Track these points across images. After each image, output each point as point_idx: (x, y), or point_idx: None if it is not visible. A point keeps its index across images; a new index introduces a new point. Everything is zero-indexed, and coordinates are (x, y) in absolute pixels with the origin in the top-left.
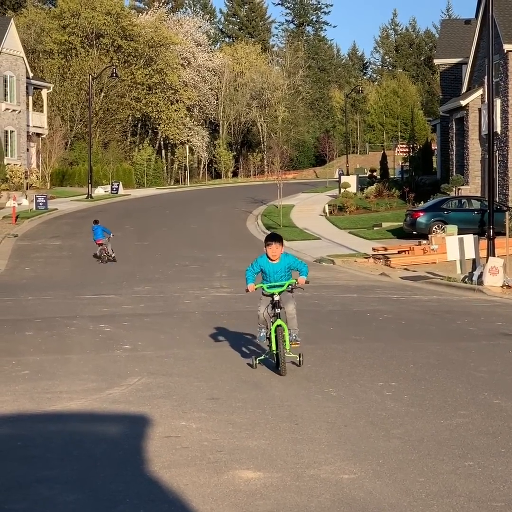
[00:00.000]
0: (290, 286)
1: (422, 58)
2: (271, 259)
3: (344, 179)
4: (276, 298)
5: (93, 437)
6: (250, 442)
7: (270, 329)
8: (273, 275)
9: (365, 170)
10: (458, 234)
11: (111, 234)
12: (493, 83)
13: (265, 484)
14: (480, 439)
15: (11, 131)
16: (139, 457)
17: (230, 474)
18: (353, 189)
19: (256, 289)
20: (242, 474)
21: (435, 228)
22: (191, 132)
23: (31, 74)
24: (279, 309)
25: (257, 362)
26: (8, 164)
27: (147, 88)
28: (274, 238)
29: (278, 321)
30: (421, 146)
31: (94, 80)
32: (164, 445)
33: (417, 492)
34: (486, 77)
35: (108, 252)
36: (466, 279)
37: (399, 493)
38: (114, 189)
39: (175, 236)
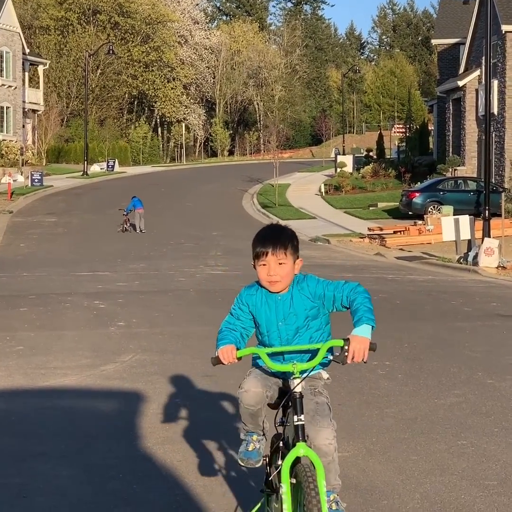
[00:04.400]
0: (329, 358)
1: (419, 38)
2: (269, 290)
3: (340, 158)
4: (298, 389)
5: (87, 413)
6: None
7: (280, 460)
8: (279, 329)
9: (362, 150)
10: (453, 215)
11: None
12: (491, 63)
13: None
14: (474, 418)
15: (7, 107)
16: (133, 433)
17: (224, 451)
18: (349, 168)
19: (239, 359)
20: (235, 452)
21: (431, 209)
22: (187, 110)
23: (27, 50)
24: (301, 416)
25: None
26: (3, 140)
27: (144, 66)
28: (272, 238)
29: (301, 447)
30: (417, 126)
31: (91, 57)
32: (157, 421)
33: (410, 470)
34: (483, 57)
35: (131, 224)
36: (461, 260)
37: (392, 471)
38: (110, 166)
39: (171, 214)
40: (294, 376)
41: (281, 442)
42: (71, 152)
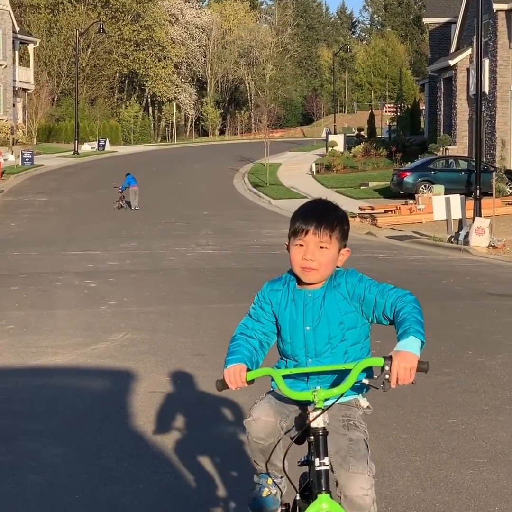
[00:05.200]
0: (363, 381)
1: (411, 17)
2: (301, 278)
3: (331, 138)
4: (319, 423)
5: (78, 392)
6: (235, 398)
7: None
8: (306, 336)
9: (353, 129)
10: (445, 194)
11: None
12: (482, 43)
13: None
14: (464, 396)
15: None
16: (124, 411)
17: (214, 429)
18: (340, 148)
19: (249, 382)
20: (226, 429)
21: (422, 188)
22: (178, 90)
23: (17, 29)
24: (323, 459)
25: None
26: None
27: (135, 45)
28: (318, 214)
29: (323, 501)
30: (409, 106)
31: (81, 35)
32: (148, 400)
33: (400, 448)
34: (475, 36)
35: (126, 201)
36: (452, 239)
37: (382, 449)
38: (101, 145)
39: (162, 193)
40: (315, 405)
41: (298, 492)
42: (61, 131)
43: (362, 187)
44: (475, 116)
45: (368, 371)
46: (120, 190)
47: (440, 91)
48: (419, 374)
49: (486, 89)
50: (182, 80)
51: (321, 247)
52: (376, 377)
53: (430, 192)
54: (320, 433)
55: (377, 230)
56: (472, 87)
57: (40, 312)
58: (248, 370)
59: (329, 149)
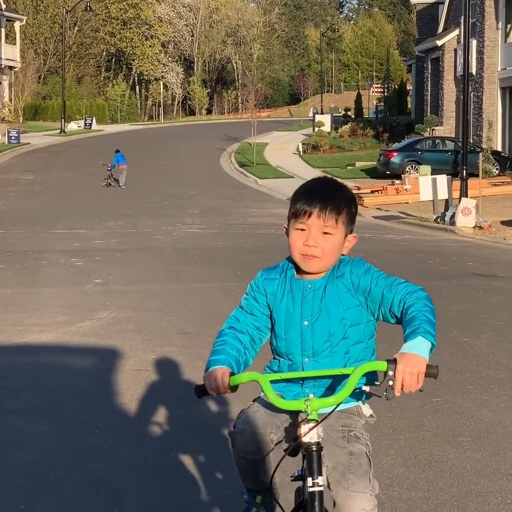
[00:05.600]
0: (363, 389)
1: None
2: (301, 267)
3: (318, 118)
4: (312, 437)
5: (63, 370)
6: None
7: None
8: (303, 331)
9: (340, 109)
10: (431, 175)
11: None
12: (470, 23)
13: (233, 415)
14: (449, 376)
15: None
16: (109, 389)
17: (199, 407)
18: (327, 128)
19: (233, 388)
20: (211, 408)
21: (409, 168)
22: (165, 69)
23: (3, 6)
24: (317, 478)
25: None
26: None
27: (122, 23)
28: (323, 194)
29: None
30: (396, 86)
31: (68, 13)
32: (134, 378)
33: (384, 427)
34: (462, 17)
35: (114, 178)
36: (438, 220)
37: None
38: (88, 124)
39: (148, 172)
40: (308, 416)
41: None
42: (48, 109)
43: (348, 167)
44: (462, 97)
45: (371, 376)
46: (109, 168)
47: (427, 72)
48: (427, 380)
49: (473, 69)
50: (169, 59)
51: (325, 233)
52: (378, 383)
53: (417, 172)
54: (314, 449)
55: (363, 210)
56: (459, 68)
57: (26, 290)
58: (232, 374)
59: (316, 129)
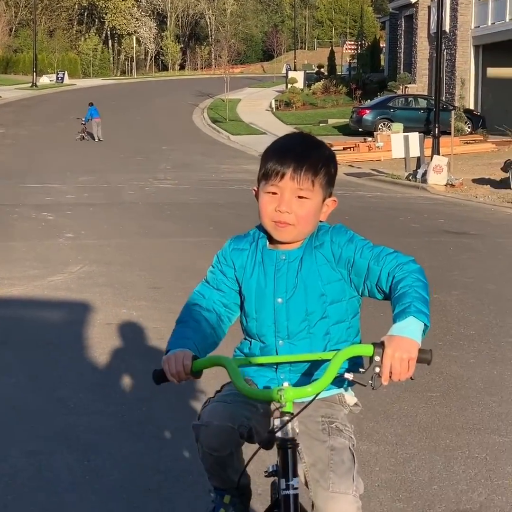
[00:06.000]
0: (345, 377)
1: None
2: (273, 236)
3: (291, 74)
4: (286, 432)
5: (34, 323)
6: None
7: None
8: (277, 310)
9: (313, 66)
10: (403, 132)
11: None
12: None
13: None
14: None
15: None
16: (80, 343)
17: None
18: (300, 85)
19: (195, 374)
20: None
21: (381, 126)
22: (138, 23)
23: None
24: (291, 480)
25: None
26: None
27: None
28: (297, 152)
29: None
30: (369, 43)
31: None
32: (105, 332)
33: None
34: None
35: (88, 132)
36: (410, 177)
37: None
38: (60, 78)
39: (121, 127)
40: (281, 408)
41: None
42: (19, 63)
43: (321, 124)
44: (435, 55)
45: (355, 360)
46: (83, 122)
47: (400, 29)
48: (419, 366)
49: (447, 27)
50: (142, 13)
51: (300, 197)
52: (363, 370)
53: (389, 130)
54: (288, 446)
55: None
56: (432, 25)
57: None
58: (196, 358)
59: (289, 86)
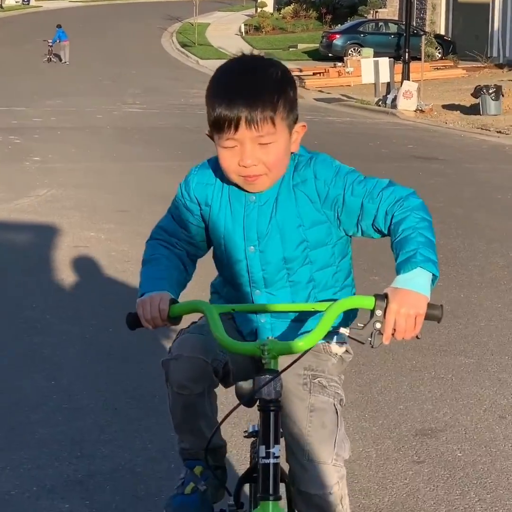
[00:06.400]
0: (341, 332)
1: None
2: (245, 189)
3: None
4: (268, 393)
5: (0, 246)
6: None
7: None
8: (249, 258)
9: None
10: (374, 57)
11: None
12: None
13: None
14: (387, 258)
15: None
16: (47, 266)
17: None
18: (270, 9)
19: (173, 320)
20: None
21: (351, 51)
22: None
23: None
24: (273, 448)
25: None
26: None
27: None
28: (246, 90)
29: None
30: None
31: None
32: (72, 254)
33: None
34: None
35: (55, 54)
36: (380, 103)
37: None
38: (26, 0)
39: (89, 51)
40: (264, 365)
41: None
42: None
43: (291, 49)
44: None
45: (349, 312)
46: (50, 44)
47: None
48: (427, 323)
49: None
50: None
51: (264, 144)
52: (361, 325)
53: (359, 55)
54: (271, 408)
55: (305, 92)
56: None
57: None
58: (174, 301)
59: (259, 9)
